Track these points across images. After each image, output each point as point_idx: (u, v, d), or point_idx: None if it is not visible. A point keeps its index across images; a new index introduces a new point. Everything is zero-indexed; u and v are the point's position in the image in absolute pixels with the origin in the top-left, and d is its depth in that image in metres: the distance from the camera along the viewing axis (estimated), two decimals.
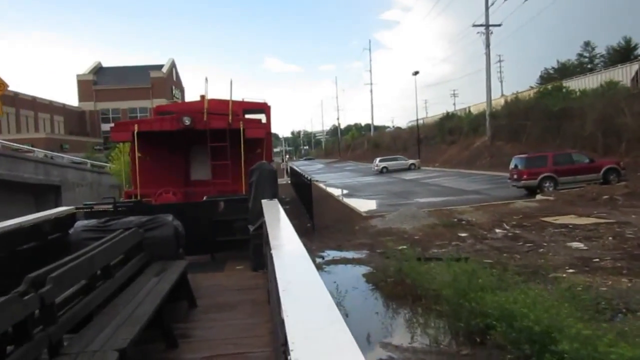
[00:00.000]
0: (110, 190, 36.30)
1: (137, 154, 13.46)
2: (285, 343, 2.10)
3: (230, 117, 13.28)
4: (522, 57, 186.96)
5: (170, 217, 7.37)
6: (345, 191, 35.60)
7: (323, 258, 15.32)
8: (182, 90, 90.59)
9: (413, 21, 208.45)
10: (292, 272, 3.16)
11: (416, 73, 63.20)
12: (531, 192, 24.89)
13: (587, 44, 63.76)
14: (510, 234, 16.36)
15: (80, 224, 7.40)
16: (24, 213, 6.96)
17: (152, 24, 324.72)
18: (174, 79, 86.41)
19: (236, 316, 6.43)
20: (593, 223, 16.72)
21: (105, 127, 69.71)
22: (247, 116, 15.44)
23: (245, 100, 17.03)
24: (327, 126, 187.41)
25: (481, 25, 47.30)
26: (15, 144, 43.07)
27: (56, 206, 12.91)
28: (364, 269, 13.76)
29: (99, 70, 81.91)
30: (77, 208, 9.02)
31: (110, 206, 9.49)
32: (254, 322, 6.07)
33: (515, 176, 26.08)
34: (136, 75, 77.86)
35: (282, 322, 2.23)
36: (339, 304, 9.86)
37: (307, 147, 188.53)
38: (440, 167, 52.30)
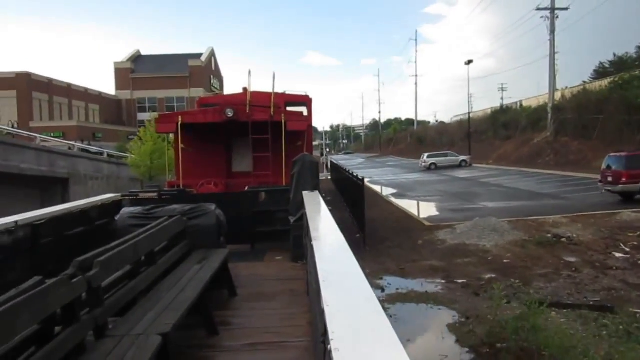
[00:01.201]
0: (130, 184, 33.63)
1: (180, 145, 13.67)
2: (325, 333, 2.10)
3: (272, 110, 13.35)
4: (574, 50, 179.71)
5: (212, 206, 7.47)
6: (392, 190, 32.35)
7: (383, 290, 12.01)
8: (220, 80, 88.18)
9: (457, 15, 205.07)
10: (332, 263, 3.17)
11: (469, 62, 59.95)
12: (627, 198, 21.00)
13: None
14: (637, 260, 12.74)
15: (126, 210, 7.57)
16: (21, 210, 6.61)
17: (192, 14, 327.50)
18: (213, 68, 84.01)
19: (275, 306, 6.48)
20: None
21: (142, 116, 69.79)
22: (288, 109, 15.48)
23: (287, 92, 17.08)
24: (367, 120, 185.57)
25: (546, 9, 43.75)
26: (19, 131, 41.54)
27: (64, 202, 12.56)
28: (447, 315, 9.93)
29: (137, 58, 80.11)
30: (123, 195, 9.24)
31: (155, 194, 9.68)
32: (292, 312, 6.10)
33: (609, 179, 21.60)
34: (174, 64, 76.07)
35: (322, 312, 2.24)
36: None
37: (345, 141, 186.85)
38: (494, 164, 48.68)
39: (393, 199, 28.06)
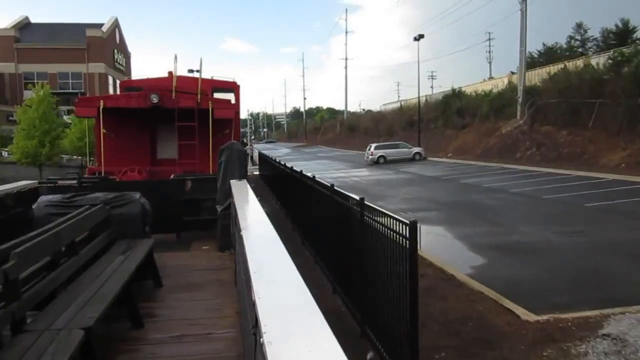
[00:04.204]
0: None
1: (102, 131, 13.23)
2: (256, 325, 2.10)
3: (199, 97, 13.14)
4: (504, 40, 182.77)
5: (137, 195, 7.29)
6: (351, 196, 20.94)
7: None
8: (127, 56, 76.49)
9: (375, 6, 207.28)
10: (263, 253, 3.16)
11: (420, 37, 49.85)
12: None
13: (579, 25, 56.15)
14: None
15: (44, 198, 7.25)
16: None
17: None
18: (117, 41, 71.85)
19: (202, 296, 6.42)
20: None
21: (29, 94, 58.72)
22: (215, 95, 15.27)
23: (215, 78, 16.84)
24: (288, 108, 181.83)
25: None
26: None
27: None
28: None
29: (25, 26, 66.96)
30: (40, 182, 8.84)
31: (75, 181, 9.32)
32: (220, 303, 6.07)
33: None
34: (70, 34, 63.81)
35: (253, 303, 2.24)
36: None
37: (266, 129, 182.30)
38: (456, 158, 41.44)
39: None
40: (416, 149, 44.57)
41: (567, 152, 31.64)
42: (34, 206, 7.10)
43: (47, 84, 45.08)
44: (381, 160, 42.70)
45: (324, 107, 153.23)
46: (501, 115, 42.46)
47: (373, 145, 45.00)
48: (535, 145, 34.91)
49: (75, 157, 45.91)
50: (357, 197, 6.53)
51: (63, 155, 47.12)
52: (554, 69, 41.73)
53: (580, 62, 39.62)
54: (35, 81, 59.94)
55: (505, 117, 41.53)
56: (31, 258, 4.20)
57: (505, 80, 50.34)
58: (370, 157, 43.66)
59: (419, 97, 52.99)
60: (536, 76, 43.38)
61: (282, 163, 17.32)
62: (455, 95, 54.95)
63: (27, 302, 3.95)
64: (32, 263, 4.28)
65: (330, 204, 8.09)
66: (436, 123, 53.55)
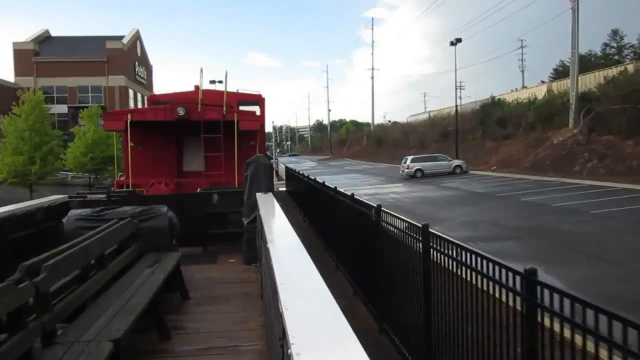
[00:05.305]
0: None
1: (129, 144, 13.45)
2: (284, 337, 2.10)
3: (224, 109, 13.29)
4: (537, 47, 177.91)
5: (164, 208, 7.36)
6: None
7: None
8: (148, 69, 74.36)
9: (398, 19, 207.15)
10: (289, 265, 3.16)
11: (458, 41, 46.64)
12: None
13: (615, 32, 54.31)
14: None
15: (74, 212, 7.37)
16: None
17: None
18: (138, 54, 69.70)
19: (229, 309, 6.43)
20: None
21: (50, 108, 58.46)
22: (241, 108, 15.43)
23: (240, 91, 17.01)
24: (311, 121, 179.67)
25: None
26: None
27: None
28: None
29: (45, 40, 64.60)
30: (70, 197, 8.99)
31: (104, 196, 9.46)
32: (246, 316, 6.07)
33: None
34: (90, 47, 61.68)
35: (280, 315, 2.23)
36: None
37: (289, 142, 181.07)
38: (500, 171, 37.95)
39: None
40: (456, 162, 40.91)
41: (638, 165, 27.85)
42: (64, 220, 7.22)
43: (40, 90, 41.73)
44: (418, 174, 38.90)
45: (347, 120, 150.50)
46: (549, 125, 39.13)
47: (409, 158, 41.24)
48: (596, 156, 31.40)
49: (82, 174, 41.41)
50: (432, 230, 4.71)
51: (67, 173, 42.50)
52: (612, 71, 38.28)
53: (630, 67, 37.04)
54: (55, 95, 59.29)
55: (554, 126, 38.28)
56: (61, 271, 4.27)
57: (544, 89, 47.52)
58: (406, 170, 39.60)
59: (456, 106, 49.95)
60: (589, 81, 39.94)
61: (317, 179, 13.94)
62: (495, 103, 51.32)
63: (57, 315, 4.00)
64: (62, 276, 4.35)
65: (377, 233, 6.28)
66: (474, 134, 50.05)
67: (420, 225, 4.91)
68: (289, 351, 1.77)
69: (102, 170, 40.41)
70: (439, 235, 4.52)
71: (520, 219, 18.29)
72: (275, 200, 7.34)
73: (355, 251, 7.95)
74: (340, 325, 1.92)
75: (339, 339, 1.81)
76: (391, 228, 5.93)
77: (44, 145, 35.69)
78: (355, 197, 8.17)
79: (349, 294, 8.17)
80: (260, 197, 7.87)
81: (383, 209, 6.46)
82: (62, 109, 58.53)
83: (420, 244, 4.86)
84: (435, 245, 4.53)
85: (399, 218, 5.70)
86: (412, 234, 5.17)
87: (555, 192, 24.67)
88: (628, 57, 49.81)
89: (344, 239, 8.95)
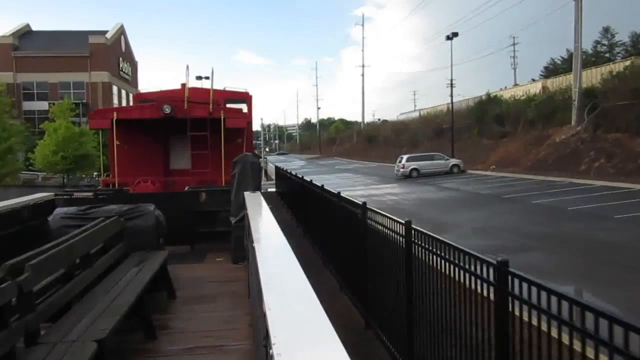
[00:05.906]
0: None
1: (115, 142, 13.38)
2: (267, 337, 2.09)
3: (211, 106, 13.25)
4: (526, 46, 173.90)
5: (151, 207, 7.33)
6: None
7: None
8: (133, 65, 72.72)
9: (386, 18, 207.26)
10: (274, 265, 3.16)
11: (454, 35, 45.33)
12: None
13: (606, 30, 53.69)
14: None
15: (59, 211, 7.31)
16: None
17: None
18: (123, 49, 68.24)
19: (215, 308, 6.41)
20: None
21: (29, 105, 58.67)
22: (228, 105, 15.38)
23: (227, 89, 16.95)
24: (300, 120, 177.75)
25: None
26: None
27: None
28: None
29: (25, 34, 63.04)
30: (56, 194, 8.92)
31: (91, 194, 9.40)
32: (233, 315, 6.06)
33: None
34: (72, 42, 60.03)
35: (264, 315, 2.23)
36: None
37: (277, 141, 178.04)
38: (500, 170, 36.50)
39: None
40: (454, 161, 39.63)
41: None
42: (49, 218, 7.17)
43: (1, 87, 39.69)
44: (414, 174, 37.44)
45: (336, 119, 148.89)
46: (550, 122, 37.49)
47: (405, 157, 39.54)
48: (604, 155, 29.50)
49: (53, 174, 38.43)
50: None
51: (38, 173, 39.67)
52: (618, 66, 36.30)
53: (627, 63, 35.38)
54: (35, 91, 57.64)
55: (555, 124, 36.72)
56: (46, 270, 4.23)
57: (538, 86, 46.23)
58: (401, 170, 38.15)
59: (452, 102, 48.19)
60: (586, 77, 37.54)
61: (309, 180, 13.08)
62: (492, 100, 49.31)
63: (41, 314, 3.96)
64: (46, 275, 4.31)
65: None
66: (470, 132, 48.34)
67: (404, 222, 4.94)
68: (271, 351, 1.77)
69: (74, 170, 38.08)
70: (421, 231, 4.57)
71: (537, 224, 16.69)
72: (263, 200, 7.33)
73: (343, 249, 7.95)
74: (323, 325, 1.91)
75: (320, 340, 1.81)
76: (376, 225, 5.98)
77: (1, 143, 32.77)
78: (342, 195, 8.15)
79: (335, 290, 8.19)
80: (248, 196, 7.86)
81: (368, 206, 6.47)
82: (43, 105, 55.99)
83: (403, 239, 4.93)
84: (417, 241, 4.63)
85: (385, 216, 5.67)
86: (396, 230, 5.21)
87: (566, 194, 23.24)
88: (619, 55, 49.68)
89: (332, 237, 8.92)
